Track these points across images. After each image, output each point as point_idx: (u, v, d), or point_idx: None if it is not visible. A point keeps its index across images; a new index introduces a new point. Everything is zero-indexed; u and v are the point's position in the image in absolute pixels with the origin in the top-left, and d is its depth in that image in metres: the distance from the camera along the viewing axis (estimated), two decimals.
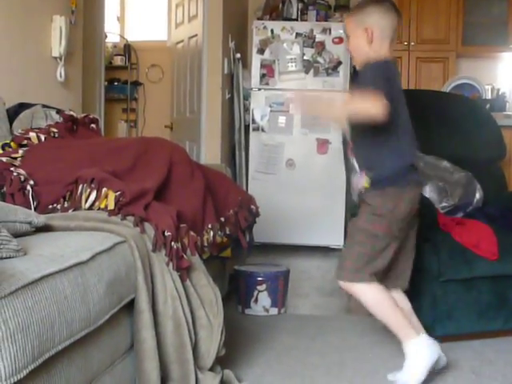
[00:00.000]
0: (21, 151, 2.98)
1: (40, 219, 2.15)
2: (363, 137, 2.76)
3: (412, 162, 2.79)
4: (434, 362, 2.70)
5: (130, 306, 2.23)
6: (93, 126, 3.58)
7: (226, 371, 2.61)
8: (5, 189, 2.76)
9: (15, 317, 1.47)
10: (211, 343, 2.49)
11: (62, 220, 2.40)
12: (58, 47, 4.31)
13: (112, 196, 2.55)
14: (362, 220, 2.76)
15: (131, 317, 2.25)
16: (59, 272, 1.72)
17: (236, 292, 3.95)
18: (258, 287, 3.86)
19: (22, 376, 1.47)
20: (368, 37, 2.69)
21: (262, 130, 6.46)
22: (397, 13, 2.75)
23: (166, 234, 2.46)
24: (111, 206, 2.52)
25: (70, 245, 1.97)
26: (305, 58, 6.40)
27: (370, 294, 2.76)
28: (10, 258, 1.71)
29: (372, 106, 2.48)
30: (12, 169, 2.82)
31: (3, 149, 3.00)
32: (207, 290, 2.58)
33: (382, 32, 2.69)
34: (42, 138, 3.14)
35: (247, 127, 6.62)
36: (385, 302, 2.74)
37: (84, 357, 1.87)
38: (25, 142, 3.08)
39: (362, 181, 2.76)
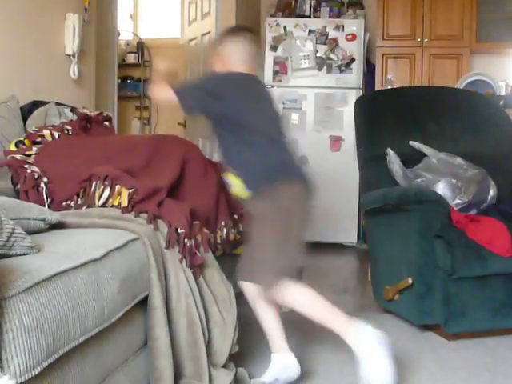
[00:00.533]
0: (35, 148, 2.99)
1: (54, 216, 2.16)
2: (220, 138, 2.80)
3: (278, 162, 2.72)
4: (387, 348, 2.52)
5: (144, 303, 2.23)
6: (106, 123, 3.59)
7: (239, 369, 2.61)
8: (19, 186, 2.77)
9: (30, 313, 1.48)
10: (224, 340, 2.49)
11: (76, 217, 2.40)
12: (71, 45, 4.33)
13: (125, 193, 2.56)
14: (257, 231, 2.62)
15: (145, 314, 2.25)
16: (73, 269, 1.73)
17: None
18: None
19: (36, 372, 1.47)
20: (225, 64, 2.84)
21: None
22: (252, 42, 2.92)
23: (180, 231, 2.46)
24: (124, 203, 2.53)
25: (83, 242, 1.98)
26: (318, 54, 6.39)
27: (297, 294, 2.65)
28: (24, 255, 1.72)
29: (161, 96, 2.74)
30: (26, 166, 2.84)
31: (17, 146, 3.02)
32: (220, 287, 2.59)
33: (238, 59, 2.84)
34: (56, 135, 3.16)
35: None
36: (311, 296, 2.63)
37: (98, 353, 1.88)
38: (38, 139, 3.09)
39: (230, 183, 2.73)
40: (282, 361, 2.75)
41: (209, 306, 2.49)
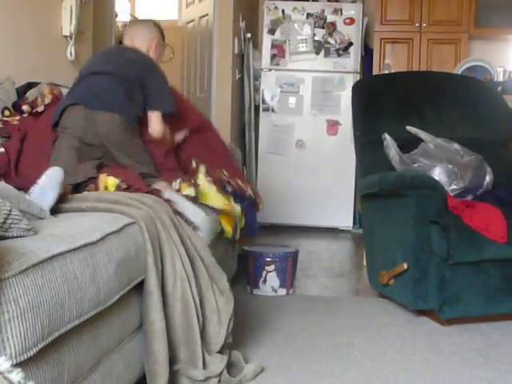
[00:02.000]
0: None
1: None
2: None
3: None
4: None
5: (140, 287, 2.23)
6: None
7: (234, 352, 2.62)
8: None
9: (25, 295, 1.48)
10: (220, 329, 2.49)
11: (75, 202, 2.41)
12: (68, 26, 4.31)
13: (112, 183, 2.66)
14: None
15: (140, 297, 2.25)
16: (69, 252, 1.73)
17: (245, 272, 3.96)
18: (267, 268, 3.86)
19: (31, 354, 1.48)
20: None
21: (272, 111, 6.45)
22: None
23: None
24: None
25: (80, 225, 1.98)
26: (316, 38, 6.38)
27: None
28: (20, 237, 1.72)
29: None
30: None
31: (2, 113, 3.09)
32: (217, 272, 2.59)
33: None
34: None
35: (257, 108, 6.61)
36: None
37: (93, 336, 1.88)
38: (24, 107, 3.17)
39: None
40: None
41: (205, 291, 2.49)
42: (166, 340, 2.24)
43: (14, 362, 1.43)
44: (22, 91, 3.54)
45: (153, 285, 2.24)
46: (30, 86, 3.61)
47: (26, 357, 1.46)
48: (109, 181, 2.71)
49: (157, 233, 2.35)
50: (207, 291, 2.50)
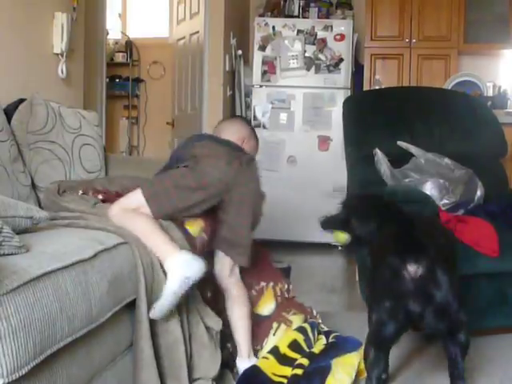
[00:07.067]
0: None
1: (41, 214, 2.11)
2: None
3: None
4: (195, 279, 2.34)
5: (133, 305, 2.22)
6: None
7: (223, 371, 2.60)
8: None
9: (17, 313, 1.47)
10: (213, 365, 2.47)
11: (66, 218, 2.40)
12: (59, 44, 4.31)
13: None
14: None
15: (133, 314, 2.24)
16: (61, 269, 1.72)
17: None
18: None
19: (23, 372, 1.47)
20: None
21: (264, 127, 6.46)
22: None
23: None
24: None
25: (72, 242, 1.97)
26: (306, 54, 6.40)
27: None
28: (12, 254, 1.71)
29: None
30: None
31: None
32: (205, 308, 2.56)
33: None
34: None
35: None
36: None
37: (86, 353, 1.87)
38: None
39: None
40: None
41: (194, 326, 2.46)
42: (156, 367, 2.21)
43: (6, 381, 1.42)
44: (13, 106, 3.54)
45: (143, 315, 2.21)
46: (22, 101, 3.62)
47: (18, 375, 1.46)
48: None
49: (150, 258, 2.31)
50: (197, 324, 2.47)
